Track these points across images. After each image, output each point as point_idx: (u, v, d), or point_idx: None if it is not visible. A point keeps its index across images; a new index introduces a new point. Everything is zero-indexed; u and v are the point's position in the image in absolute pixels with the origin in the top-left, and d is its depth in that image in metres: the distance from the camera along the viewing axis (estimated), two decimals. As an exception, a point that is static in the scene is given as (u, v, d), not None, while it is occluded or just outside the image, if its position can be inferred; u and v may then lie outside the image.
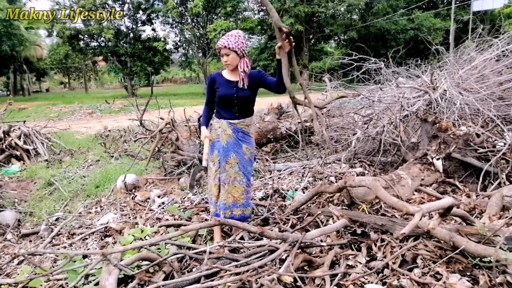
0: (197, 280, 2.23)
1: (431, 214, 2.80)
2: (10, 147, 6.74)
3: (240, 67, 3.00)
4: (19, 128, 7.25)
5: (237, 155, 3.12)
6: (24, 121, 7.78)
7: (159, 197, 4.73)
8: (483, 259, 2.05)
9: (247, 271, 2.11)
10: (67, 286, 2.75)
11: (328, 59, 23.93)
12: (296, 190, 4.38)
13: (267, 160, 6.01)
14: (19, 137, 6.99)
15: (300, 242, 2.39)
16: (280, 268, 2.33)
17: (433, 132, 3.86)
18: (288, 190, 4.41)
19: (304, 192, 4.20)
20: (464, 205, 2.99)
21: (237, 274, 2.07)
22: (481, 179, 3.44)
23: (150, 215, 4.14)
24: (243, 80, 3.03)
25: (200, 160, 5.32)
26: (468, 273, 2.07)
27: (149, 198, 4.74)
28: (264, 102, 8.94)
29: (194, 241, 3.33)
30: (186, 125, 6.95)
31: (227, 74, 3.12)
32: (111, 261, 2.24)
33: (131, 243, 3.13)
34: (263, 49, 34.02)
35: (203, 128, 3.21)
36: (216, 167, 3.15)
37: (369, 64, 6.15)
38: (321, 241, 2.91)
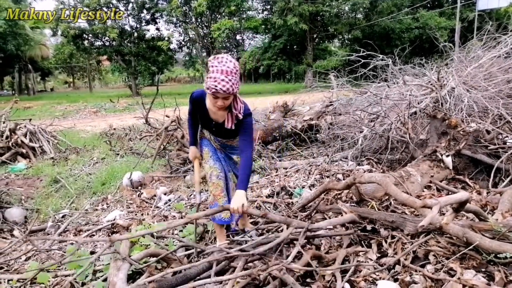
0: (207, 268, 2.20)
1: (443, 211, 2.77)
2: (16, 145, 6.75)
3: (235, 109, 2.54)
4: (25, 126, 7.27)
5: (228, 164, 2.98)
6: (30, 119, 7.79)
7: (165, 194, 4.73)
8: (498, 255, 2.01)
9: (257, 259, 2.08)
10: (75, 281, 2.74)
11: (336, 57, 23.85)
12: (303, 187, 4.35)
13: (272, 158, 5.99)
14: (25, 135, 7.01)
15: (306, 229, 2.36)
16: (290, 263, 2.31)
17: (443, 128, 3.82)
18: (295, 188, 4.39)
19: (311, 190, 4.17)
20: (476, 202, 2.95)
21: (246, 263, 2.04)
22: (492, 176, 3.40)
23: (156, 212, 4.13)
24: (231, 121, 2.58)
25: None
26: (483, 269, 2.04)
27: (155, 196, 4.73)
28: (268, 101, 8.91)
29: (201, 238, 3.31)
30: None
31: (210, 105, 2.58)
32: (121, 252, 2.23)
33: (138, 239, 3.11)
34: (266, 48, 34.03)
35: (191, 148, 2.97)
36: (210, 164, 2.90)
37: (376, 61, 6.11)
38: (328, 230, 2.89)
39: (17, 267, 3.10)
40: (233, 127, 2.59)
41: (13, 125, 6.98)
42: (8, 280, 2.82)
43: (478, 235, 2.11)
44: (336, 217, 3.21)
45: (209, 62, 2.41)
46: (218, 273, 2.32)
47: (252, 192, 4.42)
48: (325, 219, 3.22)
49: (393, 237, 2.65)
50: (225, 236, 3.09)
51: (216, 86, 2.30)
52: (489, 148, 3.61)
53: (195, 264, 2.17)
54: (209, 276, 2.28)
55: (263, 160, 5.73)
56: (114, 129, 9.67)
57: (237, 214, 2.40)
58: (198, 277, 2.29)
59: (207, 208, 3.11)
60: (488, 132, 3.80)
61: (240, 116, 2.54)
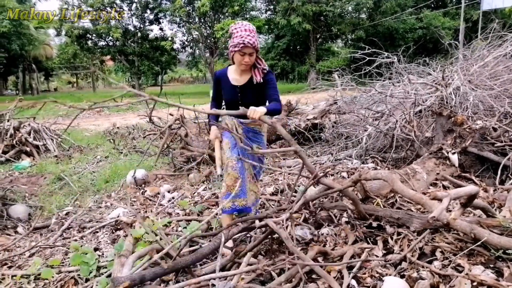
0: (218, 246, 2.20)
1: (449, 209, 2.74)
2: (20, 143, 6.76)
3: (259, 64, 2.87)
4: (29, 124, 7.28)
5: (247, 155, 3.01)
6: (34, 118, 7.80)
7: (169, 192, 4.72)
8: (506, 251, 1.99)
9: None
10: (79, 277, 2.74)
11: (339, 55, 23.79)
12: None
13: (276, 156, 5.98)
14: (29, 133, 7.02)
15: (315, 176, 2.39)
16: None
17: (448, 126, 3.79)
18: (298, 186, 4.37)
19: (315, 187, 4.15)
20: (483, 199, 2.92)
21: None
22: (499, 173, 3.37)
23: (160, 209, 4.13)
24: (259, 74, 2.86)
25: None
26: (492, 266, 2.01)
27: (159, 193, 4.72)
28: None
29: (205, 236, 3.30)
30: (195, 122, 6.94)
31: (232, 75, 2.95)
32: (125, 248, 2.21)
33: (142, 236, 3.10)
34: (270, 48, 34.02)
35: (213, 128, 3.05)
36: (228, 155, 2.98)
37: (382, 58, 6.08)
38: (333, 227, 2.87)
39: (21, 263, 3.09)
40: (261, 80, 2.84)
41: (17, 124, 6.99)
42: (12, 276, 2.82)
43: (486, 231, 2.09)
44: (341, 214, 3.19)
45: (231, 29, 2.83)
46: (223, 269, 2.31)
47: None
48: (330, 216, 3.20)
49: (399, 234, 2.63)
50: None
51: (243, 40, 2.70)
52: (495, 145, 3.58)
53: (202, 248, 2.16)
54: (214, 251, 2.28)
55: (266, 158, 5.72)
56: (118, 128, 9.70)
57: (252, 117, 2.54)
58: (210, 273, 2.28)
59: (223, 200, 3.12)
60: (494, 129, 3.77)
61: (266, 68, 2.87)
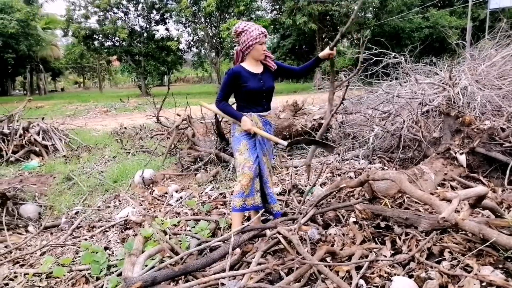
0: (224, 254, 2.23)
1: (457, 209, 2.74)
2: (29, 143, 6.84)
3: (267, 55, 3.10)
4: (37, 125, 7.36)
5: (266, 149, 3.13)
6: (43, 118, 7.89)
7: (176, 192, 4.75)
8: (515, 252, 1.99)
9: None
10: (90, 276, 2.78)
11: (347, 54, 23.66)
12: (314, 185, 4.33)
13: (283, 156, 5.99)
14: (38, 133, 7.10)
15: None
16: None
17: (456, 126, 3.79)
18: (305, 186, 4.38)
19: (322, 188, 4.16)
20: (491, 200, 2.91)
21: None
22: (507, 173, 3.36)
23: (169, 209, 4.16)
24: (272, 62, 3.08)
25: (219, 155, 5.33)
26: (501, 266, 2.02)
27: (166, 193, 4.75)
28: (278, 100, 8.90)
29: (213, 235, 3.33)
30: (202, 122, 6.97)
31: (249, 67, 3.02)
32: (135, 248, 2.25)
33: (152, 236, 3.14)
34: (275, 48, 33.97)
35: (244, 118, 2.96)
36: (246, 156, 3.00)
37: (388, 58, 6.07)
38: (343, 235, 2.88)
39: (32, 262, 3.14)
40: (276, 66, 3.10)
41: (26, 124, 7.08)
42: (24, 274, 2.87)
43: (495, 231, 2.09)
44: (349, 215, 3.21)
45: (241, 27, 2.93)
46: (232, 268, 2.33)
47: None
48: (337, 216, 3.21)
49: (407, 234, 2.64)
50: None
51: (262, 30, 2.91)
52: (503, 146, 3.57)
53: (212, 254, 2.18)
54: (223, 271, 2.30)
55: (273, 158, 5.73)
56: (125, 128, 9.77)
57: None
58: (218, 272, 2.31)
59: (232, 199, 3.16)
60: (502, 129, 3.76)
61: (272, 56, 3.13)
